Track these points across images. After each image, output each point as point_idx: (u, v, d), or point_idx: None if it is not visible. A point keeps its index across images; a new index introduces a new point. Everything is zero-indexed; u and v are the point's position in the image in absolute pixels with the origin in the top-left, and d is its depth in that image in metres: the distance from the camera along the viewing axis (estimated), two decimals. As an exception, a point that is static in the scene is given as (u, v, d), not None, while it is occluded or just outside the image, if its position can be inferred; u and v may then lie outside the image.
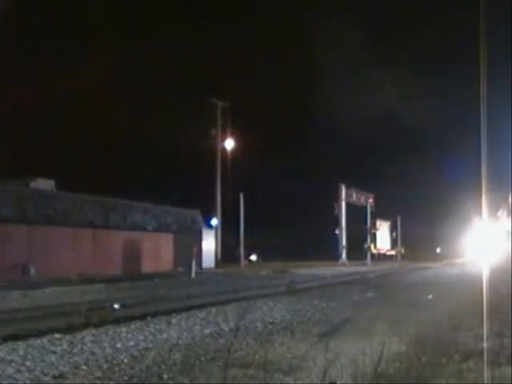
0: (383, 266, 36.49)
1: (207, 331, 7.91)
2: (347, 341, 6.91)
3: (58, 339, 7.13)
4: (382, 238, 58.28)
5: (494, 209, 43.82)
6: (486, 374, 5.13)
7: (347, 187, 49.07)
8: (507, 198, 46.21)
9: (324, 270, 29.10)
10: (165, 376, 5.25)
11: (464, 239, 53.80)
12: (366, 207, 52.04)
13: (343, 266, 40.51)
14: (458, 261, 42.68)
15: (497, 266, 23.52)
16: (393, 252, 58.22)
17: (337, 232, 48.28)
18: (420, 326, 8.27)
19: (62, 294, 15.10)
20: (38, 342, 6.97)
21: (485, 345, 6.34)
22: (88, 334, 7.52)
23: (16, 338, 7.21)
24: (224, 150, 40.08)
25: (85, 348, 6.62)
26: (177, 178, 42.08)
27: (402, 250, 55.61)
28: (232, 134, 40.01)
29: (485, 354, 5.80)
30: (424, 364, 5.70)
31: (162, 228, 31.74)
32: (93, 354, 6.29)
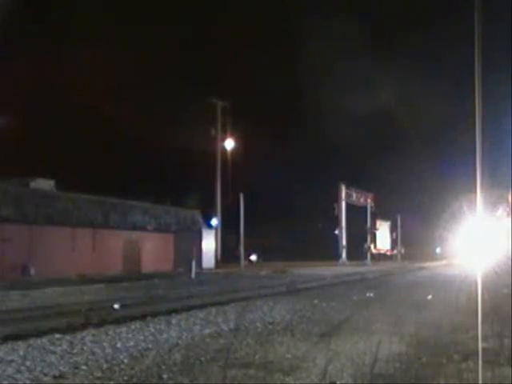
0: (383, 266, 36.50)
1: (207, 331, 7.91)
2: (347, 341, 6.92)
3: (57, 339, 7.14)
4: (382, 238, 58.30)
5: (491, 207, 43.78)
6: (481, 374, 5.13)
7: (347, 187, 49.09)
8: (507, 197, 46.20)
9: (324, 269, 29.10)
10: (165, 376, 5.25)
11: (463, 239, 53.78)
12: (366, 207, 52.06)
13: (343, 265, 40.51)
14: (458, 261, 42.66)
15: (497, 266, 23.52)
16: (393, 252, 58.25)
17: (337, 232, 48.30)
18: (420, 326, 8.27)
19: (61, 294, 15.10)
20: (38, 341, 6.97)
21: (480, 344, 6.34)
22: (88, 334, 7.52)
23: (16, 337, 7.21)
24: (224, 149, 40.09)
25: (85, 348, 6.62)
26: (177, 178, 42.11)
27: (402, 250, 55.63)
28: (232, 134, 40.03)
29: (480, 353, 5.80)
30: (424, 364, 5.70)
31: (161, 228, 31.74)
32: (93, 353, 6.30)
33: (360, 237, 50.19)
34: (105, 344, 6.87)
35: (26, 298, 13.70)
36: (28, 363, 5.79)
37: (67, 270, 23.49)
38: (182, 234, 32.40)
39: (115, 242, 27.90)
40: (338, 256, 46.51)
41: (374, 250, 54.15)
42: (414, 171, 52.77)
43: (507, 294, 12.23)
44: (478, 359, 5.66)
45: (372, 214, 52.95)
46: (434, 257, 53.04)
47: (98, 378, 5.21)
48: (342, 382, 5.03)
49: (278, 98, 54.75)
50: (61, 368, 5.59)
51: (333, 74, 49.03)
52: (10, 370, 5.50)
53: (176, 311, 10.05)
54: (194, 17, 53.29)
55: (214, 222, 38.12)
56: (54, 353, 6.33)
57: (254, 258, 45.20)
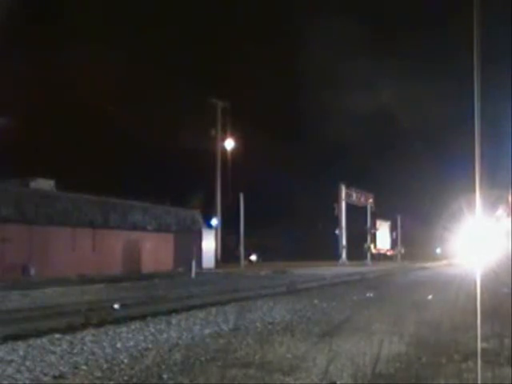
0: (383, 266, 36.50)
1: (207, 331, 7.91)
2: (347, 341, 6.91)
3: (57, 339, 7.13)
4: (382, 238, 58.30)
5: (490, 207, 43.77)
6: (481, 374, 5.14)
7: (347, 187, 49.09)
8: (507, 197, 46.16)
9: (324, 269, 29.11)
10: (165, 376, 5.25)
11: (463, 239, 53.79)
12: (366, 207, 52.05)
13: (343, 265, 40.51)
14: (458, 261, 42.70)
15: (497, 266, 23.51)
16: (393, 252, 58.24)
17: (337, 232, 48.29)
18: (420, 326, 8.27)
19: (61, 294, 15.10)
20: (38, 342, 6.97)
21: (479, 344, 6.35)
22: (88, 334, 7.52)
23: (16, 338, 7.21)
24: (224, 150, 40.07)
25: (85, 348, 6.62)
26: (177, 178, 42.10)
27: (402, 250, 55.63)
28: (232, 134, 40.01)
29: (478, 353, 5.81)
30: (424, 364, 5.70)
31: (161, 228, 31.74)
32: (93, 353, 6.30)
33: (360, 237, 50.18)
34: (105, 344, 6.86)
35: (26, 298, 13.70)
36: (28, 363, 5.79)
37: (67, 270, 23.48)
38: (181, 234, 32.40)
39: (115, 241, 27.90)
40: (338, 256, 46.50)
41: (373, 250, 54.14)
42: (414, 171, 52.78)
43: (507, 293, 12.23)
44: (478, 359, 5.66)
45: (372, 214, 52.95)
46: (434, 257, 53.07)
47: (98, 378, 5.21)
48: (342, 381, 5.03)
49: (278, 97, 54.76)
50: (61, 368, 5.59)
51: (333, 73, 49.03)
52: (9, 370, 5.50)
53: (176, 311, 10.05)
54: (194, 17, 53.29)
55: (214, 222, 38.10)
56: (53, 353, 6.33)
57: (253, 258, 45.20)
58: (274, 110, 54.52)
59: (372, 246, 53.47)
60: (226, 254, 38.75)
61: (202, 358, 5.98)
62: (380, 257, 54.86)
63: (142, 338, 7.34)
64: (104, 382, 5.11)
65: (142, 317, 9.23)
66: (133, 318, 9.05)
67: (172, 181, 41.47)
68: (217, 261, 36.04)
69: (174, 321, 8.88)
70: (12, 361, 5.89)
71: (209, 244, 34.99)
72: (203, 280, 21.52)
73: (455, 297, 12.62)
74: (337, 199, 48.30)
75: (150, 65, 47.35)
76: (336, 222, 48.38)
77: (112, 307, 10.98)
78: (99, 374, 5.37)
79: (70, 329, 7.94)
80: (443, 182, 48.92)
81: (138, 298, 13.55)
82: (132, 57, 45.65)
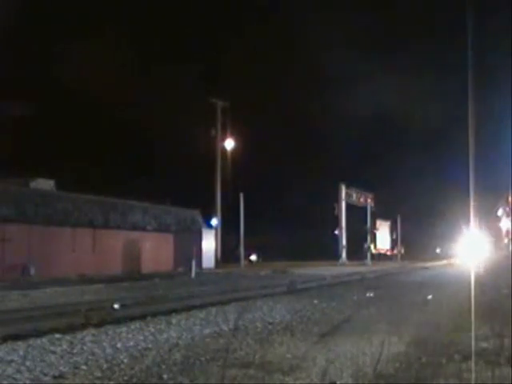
0: (383, 266, 36.48)
1: (207, 331, 7.91)
2: (347, 341, 6.91)
3: (57, 339, 7.13)
4: (382, 238, 58.29)
5: (491, 207, 43.88)
6: (481, 374, 5.14)
7: (347, 187, 49.08)
8: (507, 197, 46.26)
9: (324, 270, 29.10)
10: (165, 376, 5.25)
11: (463, 239, 53.80)
12: (365, 207, 52.03)
13: (343, 265, 40.49)
14: (458, 261, 42.68)
15: (497, 266, 23.50)
16: (393, 252, 58.25)
17: (337, 232, 48.28)
18: (420, 326, 8.27)
19: (61, 294, 15.09)
20: (38, 342, 6.97)
21: (474, 344, 6.34)
22: (88, 334, 7.52)
23: (16, 337, 7.20)
24: (224, 149, 40.06)
25: (85, 348, 6.61)
26: (177, 178, 42.12)
27: (402, 250, 55.62)
28: (232, 134, 40.01)
29: (472, 352, 5.81)
30: (424, 364, 5.70)
31: (162, 228, 31.73)
32: (93, 354, 6.29)
33: (360, 237, 50.18)
34: (105, 344, 6.86)
35: (26, 298, 13.69)
36: (28, 363, 5.79)
37: (67, 270, 23.48)
38: (181, 234, 32.39)
39: (115, 241, 27.89)
40: (338, 256, 46.48)
41: (373, 250, 54.12)
42: (415, 171, 52.83)
43: (507, 294, 12.23)
44: (478, 359, 5.66)
45: (372, 213, 52.93)
46: (433, 257, 53.08)
47: (98, 378, 5.21)
48: (342, 381, 5.03)
49: (278, 97, 54.80)
50: (61, 368, 5.59)
51: (333, 74, 49.05)
52: (9, 370, 5.49)
53: (176, 311, 10.05)
54: (195, 16, 53.28)
55: (214, 222, 38.10)
56: (54, 353, 6.32)
57: (253, 257, 45.21)
58: (275, 109, 54.60)
59: (372, 246, 53.46)
60: (226, 254, 38.75)
61: (202, 358, 5.98)
62: (380, 257, 54.85)
63: (141, 338, 7.34)
64: (104, 381, 5.11)
65: (142, 317, 9.22)
66: (133, 318, 9.05)
67: (172, 181, 41.50)
68: (217, 261, 36.03)
69: (174, 321, 8.88)
70: (12, 361, 5.89)
71: (209, 244, 34.97)
72: (203, 280, 21.51)
73: (455, 297, 12.63)
74: (337, 199, 48.29)
75: (150, 65, 47.36)
76: (336, 222, 48.37)
77: (112, 307, 10.98)
78: (99, 374, 5.37)
79: (70, 329, 7.94)
80: (443, 182, 48.92)
81: (137, 297, 13.55)
82: (133, 57, 45.63)
